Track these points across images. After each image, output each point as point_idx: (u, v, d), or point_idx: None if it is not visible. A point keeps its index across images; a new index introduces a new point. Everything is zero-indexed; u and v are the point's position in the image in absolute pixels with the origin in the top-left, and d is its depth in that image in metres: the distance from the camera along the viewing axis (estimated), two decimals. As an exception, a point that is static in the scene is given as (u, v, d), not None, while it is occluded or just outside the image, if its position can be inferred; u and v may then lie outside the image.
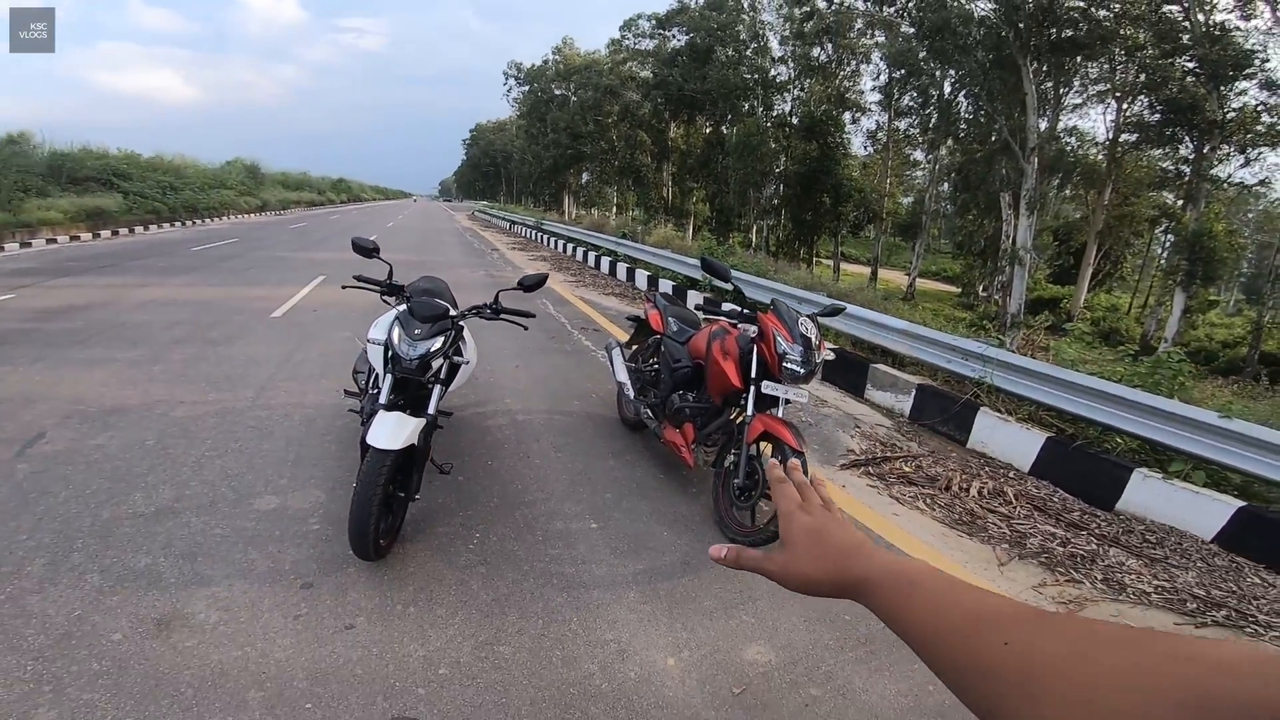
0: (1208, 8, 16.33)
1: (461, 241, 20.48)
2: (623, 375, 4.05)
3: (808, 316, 3.21)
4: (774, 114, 29.17)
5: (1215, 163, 18.33)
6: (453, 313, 2.86)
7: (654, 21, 33.83)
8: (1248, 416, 3.61)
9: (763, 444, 3.01)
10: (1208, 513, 3.44)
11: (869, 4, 23.16)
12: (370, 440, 2.39)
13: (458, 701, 1.99)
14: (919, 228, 25.51)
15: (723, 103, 28.82)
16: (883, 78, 24.51)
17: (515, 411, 4.56)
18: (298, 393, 4.63)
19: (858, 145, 28.87)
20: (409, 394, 2.76)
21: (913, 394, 5.15)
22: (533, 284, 3.02)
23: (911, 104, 23.50)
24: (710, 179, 31.80)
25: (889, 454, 4.39)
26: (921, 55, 20.22)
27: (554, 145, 40.91)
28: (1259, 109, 17.54)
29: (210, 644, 2.15)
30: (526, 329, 3.42)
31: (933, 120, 21.85)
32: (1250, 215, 24.54)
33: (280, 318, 7.13)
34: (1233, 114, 17.27)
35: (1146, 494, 3.66)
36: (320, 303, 7.96)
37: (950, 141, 22.02)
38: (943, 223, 26.52)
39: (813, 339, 3.03)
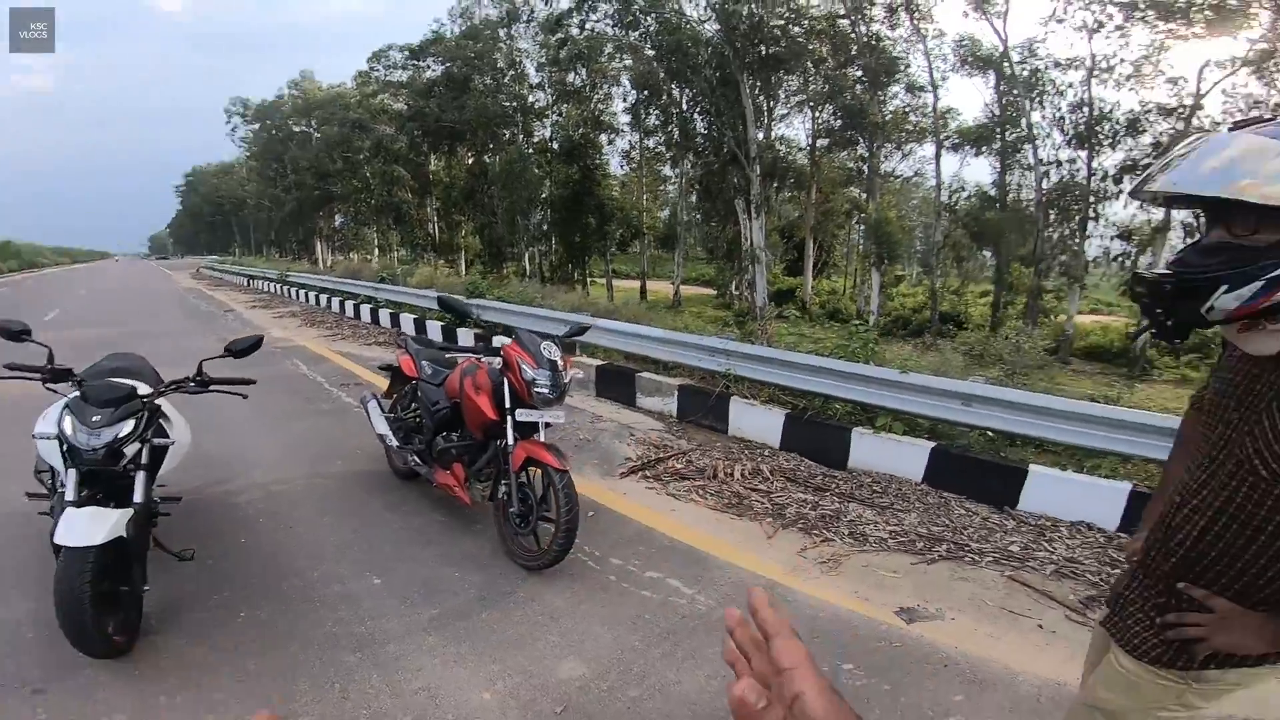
0: (867, 19, 20.30)
1: (184, 305, 17.50)
2: (382, 427, 3.91)
3: (551, 340, 3.30)
4: (535, 140, 29.48)
5: (882, 159, 22.82)
6: (143, 392, 2.57)
7: (407, 53, 32.51)
8: (920, 370, 4.50)
9: (530, 469, 3.07)
10: (912, 457, 4.17)
11: (617, 29, 24.71)
12: (59, 540, 2.16)
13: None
14: (676, 239, 27.80)
15: (483, 131, 28.55)
16: (631, 99, 26.08)
17: (268, 484, 4.11)
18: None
19: (615, 165, 30.36)
20: (105, 485, 2.45)
21: (676, 395, 5.58)
22: (243, 349, 2.79)
23: (656, 122, 25.34)
24: (477, 210, 31.25)
25: (662, 455, 4.69)
26: (661, 76, 21.99)
27: (297, 187, 37.20)
28: (906, 110, 22.24)
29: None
30: (246, 397, 3.05)
31: (674, 137, 23.87)
32: (914, 202, 31.17)
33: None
34: (889, 116, 21.67)
35: (866, 449, 4.36)
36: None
37: (690, 155, 24.25)
38: (696, 231, 29.16)
39: (558, 361, 3.14)
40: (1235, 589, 1.01)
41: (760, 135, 21.16)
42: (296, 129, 40.13)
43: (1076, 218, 18.64)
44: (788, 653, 0.43)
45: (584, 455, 4.77)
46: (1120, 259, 18.71)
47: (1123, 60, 17.85)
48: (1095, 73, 18.22)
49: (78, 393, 2.48)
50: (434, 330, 9.54)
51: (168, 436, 2.74)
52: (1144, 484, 3.52)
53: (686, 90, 22.16)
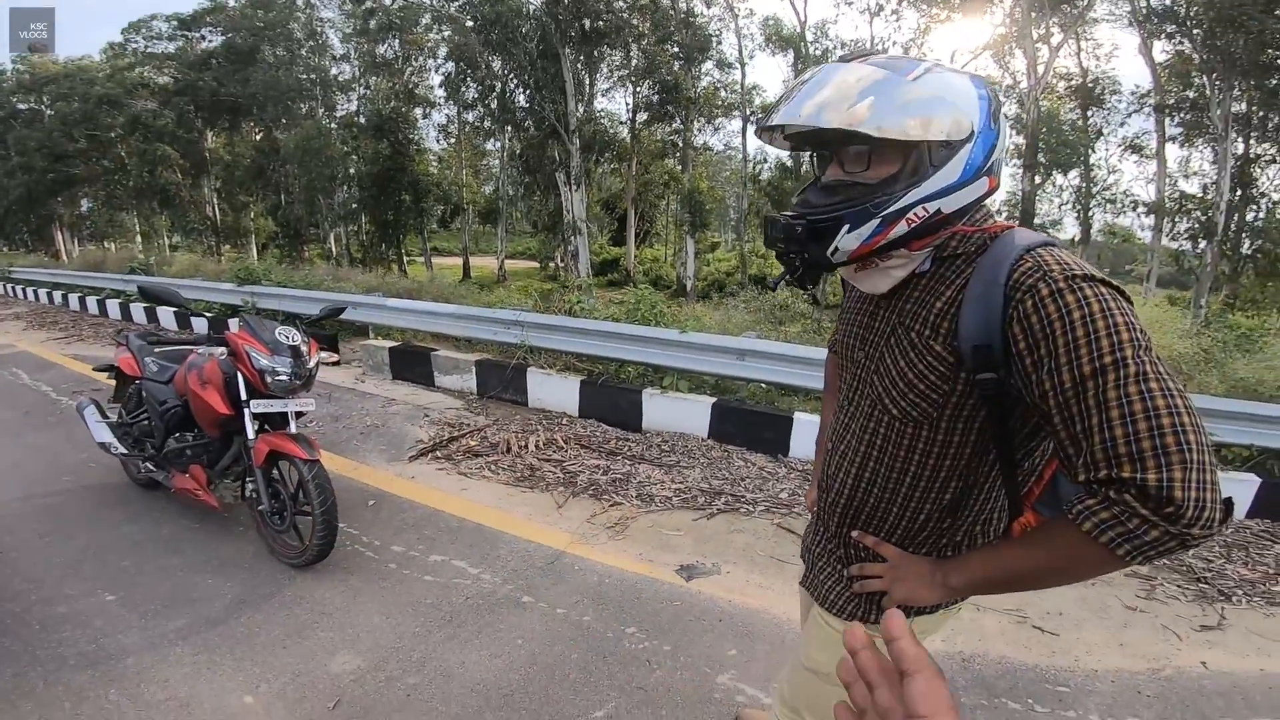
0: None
1: None
2: (103, 435, 3.50)
3: (294, 323, 3.06)
4: (338, 114, 27.24)
5: (695, 133, 23.83)
6: None
7: (175, 23, 27.82)
8: (699, 328, 4.71)
9: (281, 462, 2.87)
10: (697, 414, 4.35)
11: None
12: None
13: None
14: (499, 213, 27.02)
15: (273, 106, 25.58)
16: (447, 71, 24.78)
17: None
18: None
19: (432, 139, 28.87)
20: None
21: (474, 371, 5.35)
22: None
23: (475, 96, 24.36)
24: (269, 190, 28.02)
25: (457, 433, 4.48)
26: (480, 48, 20.98)
27: (23, 170, 30.52)
28: (717, 86, 23.37)
29: None
30: None
31: (494, 110, 23.04)
32: (726, 174, 33.18)
33: None
34: (702, 91, 22.64)
35: (656, 410, 4.48)
36: None
37: (511, 129, 23.59)
38: (521, 205, 28.52)
39: (300, 345, 2.91)
40: (899, 533, 1.01)
41: (581, 109, 21.03)
42: (22, 106, 33.13)
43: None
44: (926, 699, 0.39)
45: (370, 442, 4.45)
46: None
47: (895, 42, 20.14)
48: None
49: None
50: (201, 325, 8.32)
51: None
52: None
53: (507, 63, 21.35)
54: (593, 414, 4.73)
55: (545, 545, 3.05)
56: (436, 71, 26.53)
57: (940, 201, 0.86)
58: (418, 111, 27.26)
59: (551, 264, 27.05)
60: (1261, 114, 15.87)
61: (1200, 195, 16.88)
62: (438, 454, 4.17)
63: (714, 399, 4.37)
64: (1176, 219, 16.80)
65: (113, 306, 10.76)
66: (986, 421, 0.88)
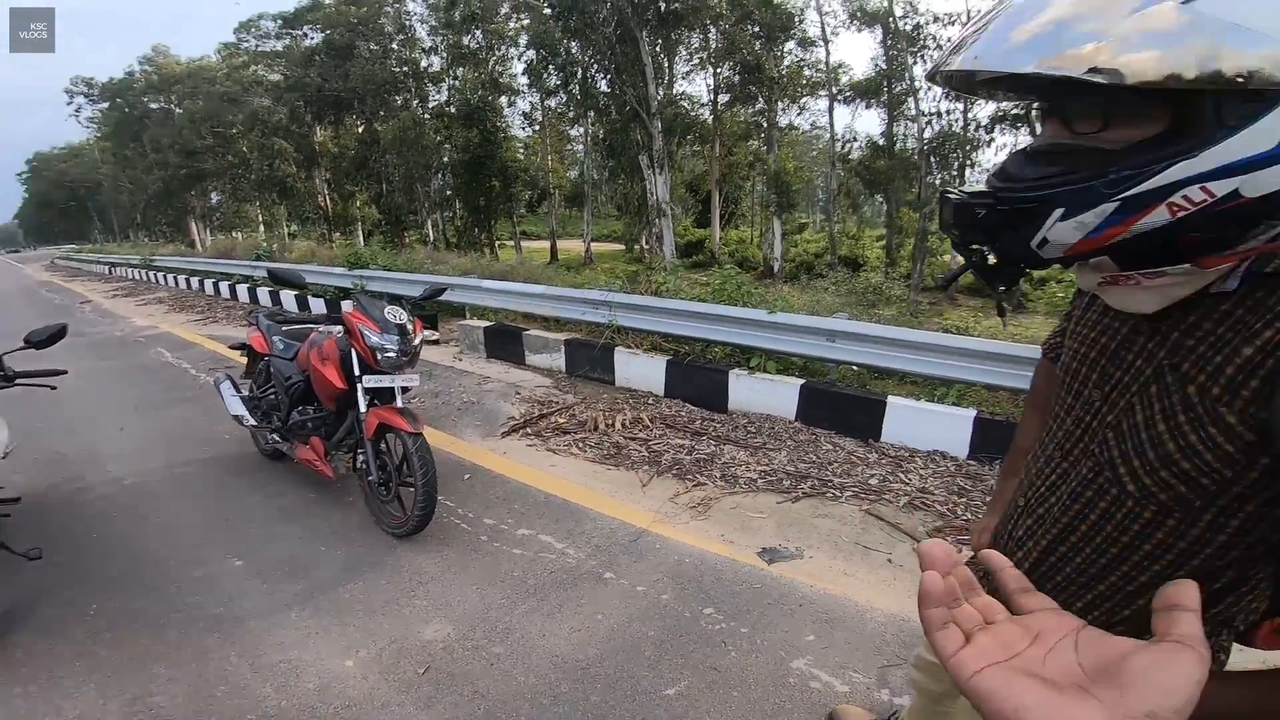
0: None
1: (36, 300, 15.71)
2: (237, 408, 3.81)
3: (400, 303, 3.23)
4: (430, 105, 28.24)
5: (780, 113, 23.16)
6: None
7: (280, 21, 29.97)
8: (787, 309, 4.61)
9: (388, 435, 3.04)
10: (785, 396, 4.27)
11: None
12: None
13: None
14: (584, 197, 27.42)
15: (372, 99, 27.04)
16: (529, 59, 25.31)
17: (122, 477, 3.87)
18: None
19: (517, 126, 29.50)
20: None
21: (563, 350, 5.50)
22: (43, 339, 2.63)
23: (557, 82, 24.75)
24: (371, 180, 29.66)
25: (546, 411, 4.63)
26: (559, 35, 21.28)
27: (159, 166, 33.99)
28: (801, 64, 22.60)
29: None
30: (55, 388, 2.92)
31: (576, 96, 23.34)
32: (814, 153, 32.00)
33: None
34: (785, 71, 21.96)
35: (743, 391, 4.44)
36: None
37: (593, 114, 23.81)
38: (605, 189, 28.81)
39: (406, 324, 3.07)
40: (1091, 619, 0.75)
41: (661, 92, 20.92)
42: (154, 106, 36.79)
43: (955, 165, 19.64)
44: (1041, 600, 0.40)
45: (466, 417, 4.68)
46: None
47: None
48: (970, 27, 19.02)
49: None
50: (319, 306, 9.01)
51: None
52: (987, 410, 3.74)
53: (586, 49, 21.53)
54: (679, 394, 4.76)
55: (628, 523, 3.09)
56: (519, 60, 26.99)
57: (1240, 180, 0.54)
58: (503, 99, 27.81)
59: (637, 246, 27.19)
60: None
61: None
62: (528, 430, 4.33)
63: (802, 381, 4.28)
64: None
65: (242, 290, 11.82)
66: (1276, 519, 0.61)
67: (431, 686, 2.09)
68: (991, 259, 0.67)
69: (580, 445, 4.06)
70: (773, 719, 1.93)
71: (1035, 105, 0.69)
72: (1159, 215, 0.57)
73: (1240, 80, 0.51)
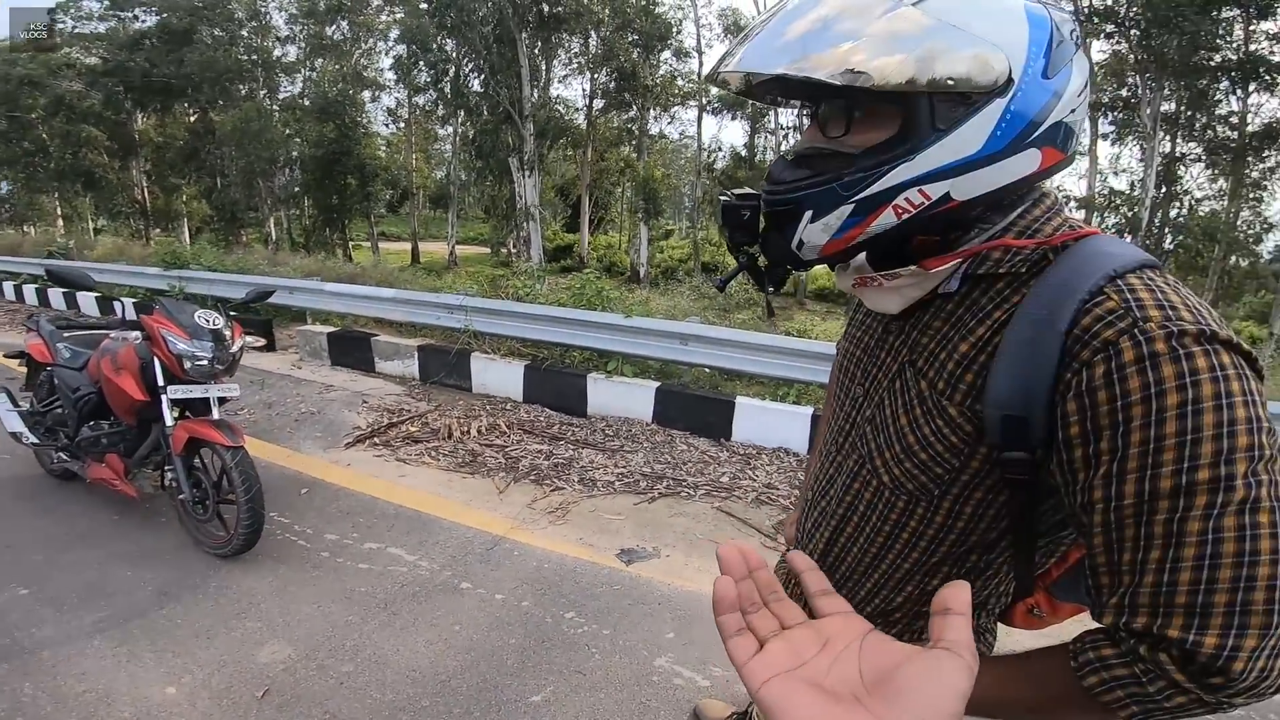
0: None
1: None
2: (14, 424, 3.40)
3: (217, 307, 2.96)
4: (281, 96, 26.28)
5: (652, 120, 23.81)
6: None
7: (106, 3, 26.11)
8: (645, 314, 4.70)
9: (202, 450, 2.79)
10: (641, 398, 4.34)
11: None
12: None
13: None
14: (450, 198, 26.49)
15: (209, 88, 24.42)
16: (398, 53, 24.09)
17: None
18: None
19: (380, 123, 28.17)
20: None
21: (416, 356, 5.25)
22: None
23: (427, 80, 23.78)
24: (203, 173, 26.84)
25: (396, 419, 4.39)
26: (432, 31, 20.40)
27: (-65, 152, 28.46)
28: (674, 74, 23.40)
29: None
30: None
31: (447, 94, 22.52)
32: (682, 162, 33.18)
33: None
34: (659, 80, 22.62)
35: (601, 394, 4.46)
36: None
37: (463, 114, 23.08)
38: (473, 191, 28.01)
39: (222, 329, 2.82)
40: (869, 609, 0.79)
41: (536, 94, 20.71)
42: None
43: (808, 175, 21.27)
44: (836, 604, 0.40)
45: (305, 429, 4.33)
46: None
47: None
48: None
49: None
50: (129, 310, 7.92)
51: None
52: (820, 406, 4.01)
53: (462, 47, 20.82)
54: (537, 399, 4.69)
55: (485, 531, 3.02)
56: (387, 54, 25.88)
57: (950, 183, 0.58)
58: (366, 94, 26.57)
59: (504, 250, 26.74)
60: (1189, 113, 16.64)
61: (1127, 192, 17.75)
62: (375, 440, 4.08)
63: (658, 384, 4.38)
64: (1105, 214, 17.62)
65: (29, 292, 10.15)
66: (1006, 507, 0.64)
67: (274, 710, 1.95)
68: (761, 260, 0.69)
69: (433, 454, 3.89)
70: (639, 718, 1.95)
71: (804, 110, 0.70)
72: (887, 217, 0.60)
73: (950, 83, 0.55)
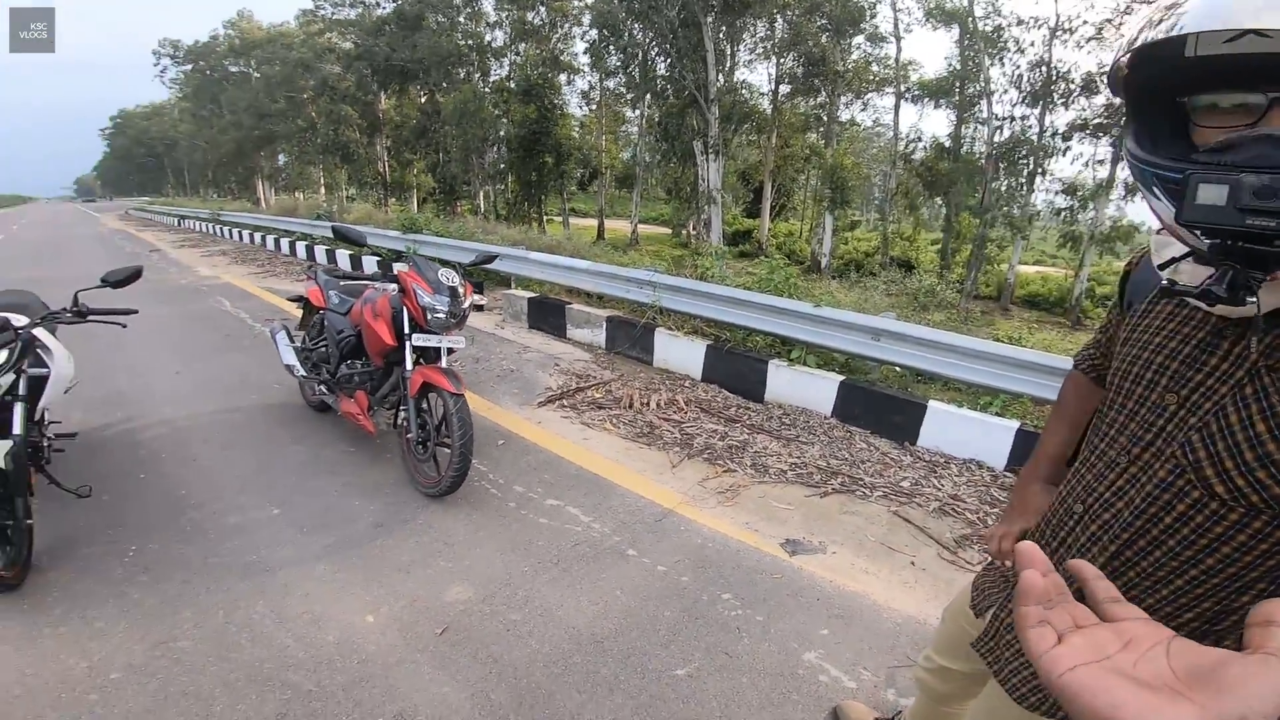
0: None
1: (108, 247, 16.53)
2: (289, 357, 3.93)
3: (454, 267, 3.29)
4: (491, 79, 28.61)
5: (842, 107, 22.60)
6: (17, 323, 2.49)
7: None
8: (833, 305, 4.54)
9: (430, 394, 3.11)
10: (823, 390, 4.22)
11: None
12: None
13: (139, 698, 1.91)
14: (635, 179, 27.42)
15: (436, 70, 27.39)
16: (591, 38, 25.30)
17: (175, 419, 4.02)
18: None
19: (574, 105, 29.65)
20: None
21: (604, 326, 5.55)
22: (119, 279, 2.70)
23: (617, 63, 24.75)
24: (430, 149, 30.27)
25: (583, 384, 4.69)
26: (621, 15, 21.18)
27: (234, 127, 35.48)
28: (868, 60, 22.01)
29: None
30: (125, 326, 3.00)
31: (635, 77, 23.27)
32: (873, 151, 31.12)
33: None
34: (851, 65, 21.41)
35: (780, 382, 4.41)
36: None
37: (650, 97, 23.71)
38: (656, 172, 28.75)
39: (458, 287, 3.13)
40: (1155, 619, 0.74)
41: (720, 79, 20.63)
42: (234, 69, 38.29)
43: (1025, 172, 18.87)
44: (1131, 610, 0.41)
45: (505, 385, 4.76)
46: (1064, 214, 19.08)
47: (1086, 22, 17.73)
48: (1057, 33, 18.07)
49: None
50: (371, 265, 9.27)
51: (47, 367, 2.67)
52: (1031, 423, 3.61)
53: (649, 30, 21.36)
54: (716, 379, 4.75)
55: (655, 502, 3.11)
56: (581, 39, 27.06)
57: None
58: (562, 77, 27.91)
59: (684, 232, 27.14)
60: None
61: None
62: (564, 402, 4.38)
63: (842, 377, 4.22)
64: None
65: (300, 247, 12.26)
66: None
67: (448, 647, 2.12)
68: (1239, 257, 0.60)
69: (614, 421, 4.10)
70: (778, 708, 1.93)
71: (1266, 94, 0.60)
72: None
73: None
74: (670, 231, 29.62)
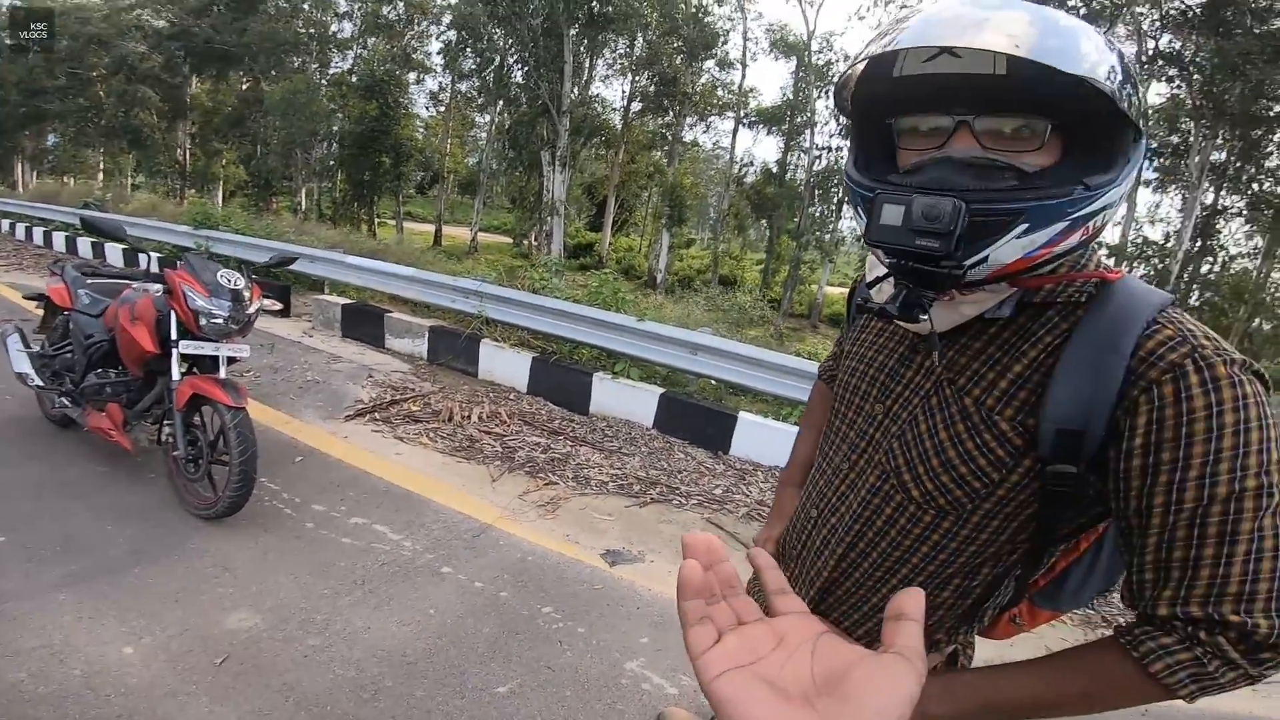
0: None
1: None
2: (22, 365, 3.38)
3: (241, 268, 2.97)
4: (330, 71, 26.80)
5: (686, 128, 23.88)
6: None
7: None
8: (657, 319, 4.69)
9: (203, 408, 2.78)
10: (645, 403, 4.33)
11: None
12: None
13: None
14: (479, 185, 26.75)
15: (265, 58, 24.94)
16: (448, 39, 24.50)
17: None
18: None
19: (421, 105, 28.58)
20: None
21: (426, 336, 5.28)
22: None
23: (473, 66, 24.10)
24: (245, 139, 27.34)
25: (398, 397, 4.40)
26: (484, 19, 20.65)
27: (-1, 103, 29.31)
28: (715, 84, 23.47)
29: None
30: None
31: (489, 83, 22.76)
32: (711, 172, 33.24)
33: None
34: (699, 88, 22.70)
35: (605, 394, 4.45)
36: None
37: (502, 104, 23.32)
38: (502, 180, 28.29)
39: (242, 290, 2.84)
40: (870, 624, 0.82)
41: (576, 91, 20.84)
42: (10, 42, 31.87)
43: (834, 200, 21.11)
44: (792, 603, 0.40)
45: (308, 397, 4.35)
46: (861, 240, 21.66)
47: None
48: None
49: None
50: (151, 264, 8.04)
51: None
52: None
53: (510, 37, 21.05)
54: (541, 392, 4.69)
55: (473, 518, 3.01)
56: (437, 38, 26.26)
57: (1107, 213, 0.62)
58: (411, 76, 26.88)
59: (526, 242, 26.94)
60: (1238, 164, 16.15)
61: (1161, 243, 17.40)
62: (376, 416, 4.09)
63: (662, 390, 4.36)
64: (1135, 264, 17.30)
65: (59, 239, 10.39)
66: (1032, 520, 0.69)
67: (229, 678, 1.92)
68: (925, 272, 0.62)
69: (431, 435, 3.90)
70: (603, 719, 1.93)
71: (954, 116, 0.62)
72: (1075, 239, 0.61)
73: (1133, 111, 0.58)
74: (512, 241, 29.27)
